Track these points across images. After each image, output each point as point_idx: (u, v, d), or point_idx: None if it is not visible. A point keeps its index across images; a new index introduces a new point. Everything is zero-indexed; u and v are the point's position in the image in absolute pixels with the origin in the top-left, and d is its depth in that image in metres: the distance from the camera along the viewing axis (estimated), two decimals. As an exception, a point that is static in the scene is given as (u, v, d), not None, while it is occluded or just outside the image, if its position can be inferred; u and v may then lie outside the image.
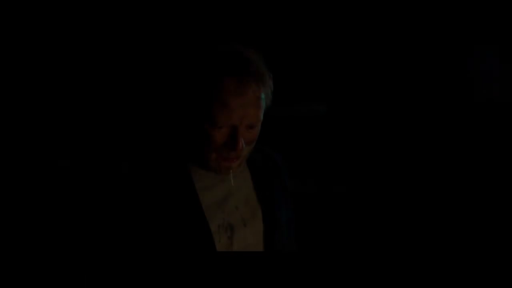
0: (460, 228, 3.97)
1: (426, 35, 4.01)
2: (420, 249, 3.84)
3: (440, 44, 4.09)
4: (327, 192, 4.84)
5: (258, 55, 1.63)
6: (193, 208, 1.65)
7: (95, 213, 1.71)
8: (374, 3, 3.71)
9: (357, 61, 4.29)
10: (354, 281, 1.81)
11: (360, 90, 4.33)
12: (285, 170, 1.87)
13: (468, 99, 4.15)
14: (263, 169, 1.79)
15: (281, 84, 1.78)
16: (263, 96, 1.60)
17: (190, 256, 1.62)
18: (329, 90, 4.63)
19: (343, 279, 1.78)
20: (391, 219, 4.21)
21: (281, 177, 1.85)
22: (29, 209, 4.79)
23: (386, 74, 4.25)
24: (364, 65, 4.29)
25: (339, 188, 4.83)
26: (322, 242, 4.12)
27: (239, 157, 1.64)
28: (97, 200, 1.69)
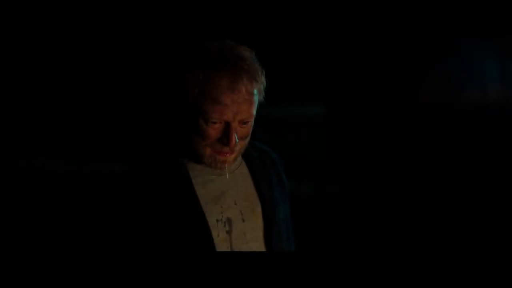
0: (463, 228, 3.99)
1: (424, 37, 4.01)
2: (416, 248, 3.86)
3: (436, 45, 4.11)
4: (322, 193, 4.85)
5: (250, 52, 1.67)
6: (191, 204, 1.67)
7: (92, 212, 1.74)
8: (370, 4, 3.73)
9: (353, 63, 4.30)
10: (352, 281, 1.82)
11: (358, 91, 4.34)
12: (282, 166, 1.90)
13: (463, 100, 4.17)
14: (261, 165, 1.82)
15: (277, 85, 1.82)
16: (255, 92, 1.64)
17: (190, 254, 1.65)
18: (326, 91, 4.65)
19: (342, 279, 1.79)
20: (387, 219, 4.23)
21: (279, 173, 1.87)
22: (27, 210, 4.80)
23: (382, 76, 4.26)
24: (360, 67, 4.30)
25: (335, 189, 4.85)
26: (318, 243, 4.14)
27: (233, 152, 1.68)
28: (94, 199, 1.72)
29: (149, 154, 1.75)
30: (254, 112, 1.66)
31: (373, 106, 4.34)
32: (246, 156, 1.78)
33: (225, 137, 1.64)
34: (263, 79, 1.67)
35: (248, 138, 1.70)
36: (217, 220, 1.70)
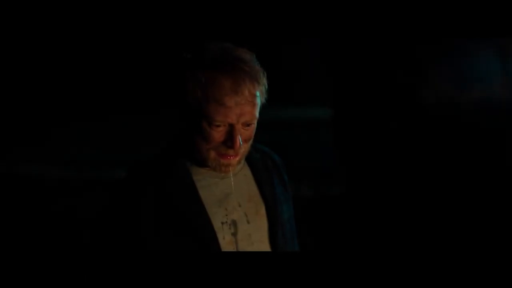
0: (466, 227, 3.98)
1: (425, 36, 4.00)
2: (415, 249, 3.86)
3: (439, 45, 4.11)
4: (322, 195, 4.84)
5: (250, 54, 1.68)
6: (195, 207, 1.68)
7: (96, 216, 1.74)
8: (369, 3, 3.72)
9: (356, 65, 4.30)
10: (355, 282, 1.83)
11: (361, 92, 4.33)
12: (284, 167, 1.91)
13: (465, 98, 4.16)
14: (263, 166, 1.83)
15: (277, 87, 1.82)
16: (258, 93, 1.65)
17: (195, 256, 1.65)
18: (330, 93, 4.65)
19: (341, 280, 1.80)
20: (391, 220, 4.22)
21: (281, 174, 1.88)
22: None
23: (384, 77, 4.25)
24: (363, 69, 4.30)
25: (337, 190, 4.84)
26: (322, 244, 4.14)
27: (237, 154, 1.68)
28: (97, 205, 1.72)
29: (152, 157, 1.75)
30: (257, 114, 1.66)
31: (376, 107, 4.33)
32: (248, 158, 1.78)
33: (229, 139, 1.64)
34: (264, 81, 1.67)
35: (252, 141, 1.71)
36: (222, 223, 1.70)
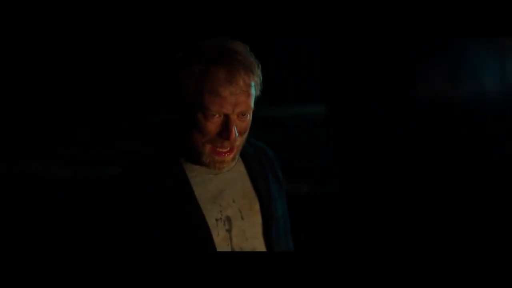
0: (464, 227, 3.99)
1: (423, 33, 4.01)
2: (412, 248, 3.86)
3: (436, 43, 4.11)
4: (321, 194, 4.83)
5: (244, 46, 1.67)
6: (189, 204, 1.67)
7: (93, 214, 1.74)
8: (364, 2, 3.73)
9: (352, 62, 4.30)
10: (351, 281, 1.83)
11: (357, 89, 4.34)
12: (278, 162, 1.90)
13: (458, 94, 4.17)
14: (257, 162, 1.82)
15: (274, 86, 1.83)
16: (253, 84, 1.64)
17: (190, 255, 1.64)
18: (325, 90, 4.65)
19: (337, 279, 1.80)
20: (387, 219, 4.23)
21: (275, 169, 1.87)
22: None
23: (381, 74, 4.26)
24: (358, 66, 4.30)
25: (334, 189, 4.84)
26: (318, 242, 4.14)
27: (233, 149, 1.67)
28: (97, 204, 1.72)
29: (147, 155, 1.74)
30: (252, 104, 1.65)
31: (375, 106, 4.34)
32: (243, 153, 1.77)
33: (224, 130, 1.62)
34: (259, 72, 1.67)
35: (247, 134, 1.69)
36: (217, 220, 1.69)
